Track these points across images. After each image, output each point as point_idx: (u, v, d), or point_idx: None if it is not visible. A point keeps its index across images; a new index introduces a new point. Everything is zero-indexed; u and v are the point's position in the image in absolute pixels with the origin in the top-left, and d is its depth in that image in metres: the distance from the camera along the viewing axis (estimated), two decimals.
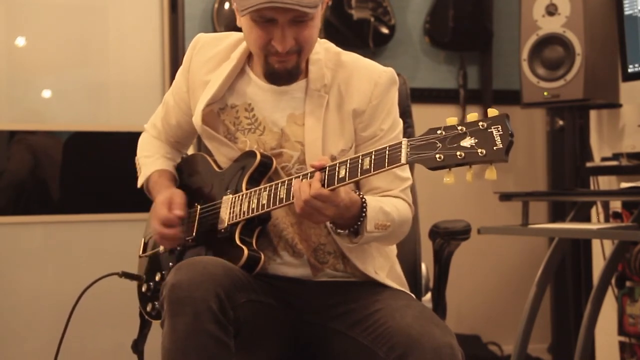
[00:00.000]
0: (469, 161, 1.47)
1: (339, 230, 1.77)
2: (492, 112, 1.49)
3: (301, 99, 1.87)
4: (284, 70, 1.81)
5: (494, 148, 1.45)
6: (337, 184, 1.64)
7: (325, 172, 1.67)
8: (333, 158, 1.81)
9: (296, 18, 1.74)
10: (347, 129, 1.86)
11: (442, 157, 1.49)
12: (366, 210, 1.73)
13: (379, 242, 1.89)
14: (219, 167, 1.98)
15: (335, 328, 1.82)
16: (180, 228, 1.89)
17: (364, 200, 1.74)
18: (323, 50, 1.90)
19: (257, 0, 1.69)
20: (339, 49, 1.93)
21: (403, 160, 1.55)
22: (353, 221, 1.74)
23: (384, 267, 1.93)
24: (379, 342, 1.70)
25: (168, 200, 1.91)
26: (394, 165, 1.57)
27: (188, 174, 2.07)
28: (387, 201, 1.83)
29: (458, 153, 1.48)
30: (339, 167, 1.65)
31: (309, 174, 1.71)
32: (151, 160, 2.08)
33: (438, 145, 1.51)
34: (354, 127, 1.87)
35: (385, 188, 1.87)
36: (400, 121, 1.93)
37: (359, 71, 1.88)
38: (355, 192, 1.75)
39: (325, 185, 1.65)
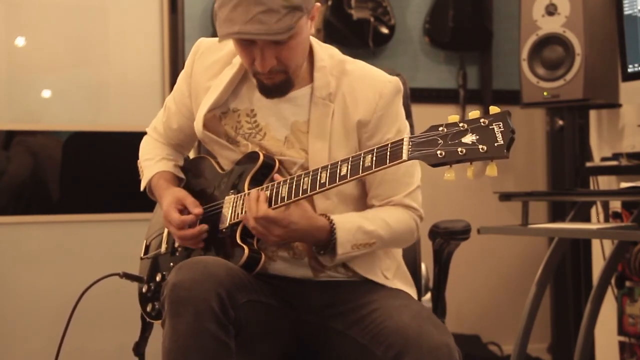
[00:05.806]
0: (470, 157, 1.48)
1: (321, 252, 1.79)
2: (494, 109, 1.50)
3: (305, 106, 1.87)
4: (273, 86, 1.81)
5: (495, 144, 1.46)
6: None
7: (269, 189, 1.74)
8: None
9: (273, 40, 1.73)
10: (351, 138, 1.86)
11: (444, 153, 1.50)
12: (335, 234, 1.75)
13: (379, 250, 1.89)
14: (222, 169, 1.98)
15: (334, 327, 1.82)
16: (198, 225, 1.89)
17: (333, 225, 1.76)
18: (327, 57, 1.89)
19: (228, 30, 1.70)
20: (343, 57, 1.92)
21: (404, 156, 1.55)
22: (328, 244, 1.77)
23: (390, 268, 1.93)
24: (377, 341, 1.70)
25: (176, 202, 1.92)
26: (396, 162, 1.57)
27: (191, 176, 2.07)
28: (374, 217, 1.83)
29: (459, 149, 1.48)
30: (340, 165, 1.66)
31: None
32: (152, 163, 2.07)
33: (439, 141, 1.51)
34: (358, 137, 1.86)
35: (387, 195, 1.86)
36: (407, 125, 1.92)
37: (364, 81, 1.87)
38: (325, 217, 1.77)
39: (271, 205, 1.72)
